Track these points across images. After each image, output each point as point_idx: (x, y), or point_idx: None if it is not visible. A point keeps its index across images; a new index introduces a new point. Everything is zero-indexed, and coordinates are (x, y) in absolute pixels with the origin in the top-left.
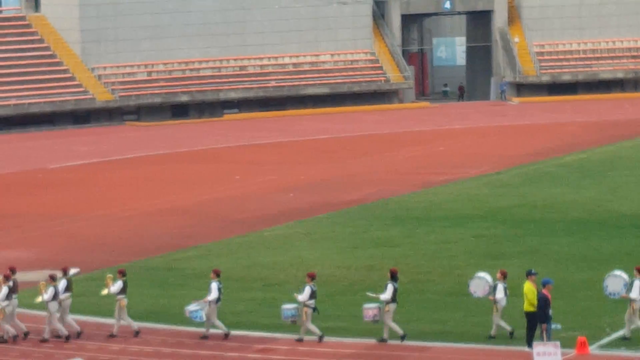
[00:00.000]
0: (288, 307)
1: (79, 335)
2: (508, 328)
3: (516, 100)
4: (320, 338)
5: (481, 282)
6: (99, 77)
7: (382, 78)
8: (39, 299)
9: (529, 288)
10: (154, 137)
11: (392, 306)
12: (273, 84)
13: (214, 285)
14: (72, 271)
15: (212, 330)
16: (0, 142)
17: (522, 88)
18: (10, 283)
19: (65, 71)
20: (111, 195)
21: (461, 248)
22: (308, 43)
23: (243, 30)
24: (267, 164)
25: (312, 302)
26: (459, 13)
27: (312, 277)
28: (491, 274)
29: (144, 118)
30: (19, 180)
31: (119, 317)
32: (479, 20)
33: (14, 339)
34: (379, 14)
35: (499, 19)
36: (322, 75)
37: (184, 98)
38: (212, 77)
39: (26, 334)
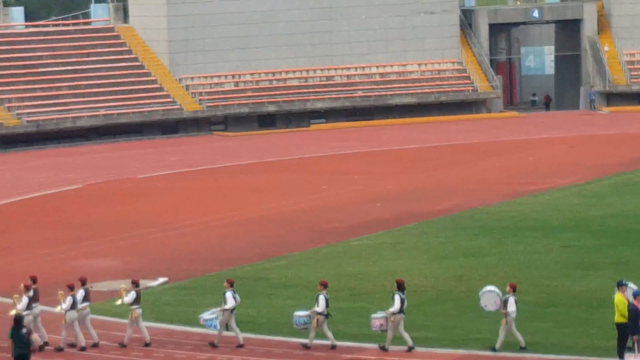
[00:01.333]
0: (300, 314)
1: (95, 345)
2: (521, 341)
3: (606, 109)
4: (333, 347)
5: (492, 295)
6: (187, 87)
7: (470, 88)
8: (58, 308)
9: (619, 299)
10: (242, 147)
11: (399, 317)
12: (360, 93)
13: (229, 295)
14: (160, 280)
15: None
16: (89, 152)
17: (612, 97)
18: (31, 292)
19: (153, 82)
20: (199, 205)
21: (551, 258)
22: (395, 53)
23: (330, 40)
24: (354, 173)
25: (326, 310)
26: (548, 22)
27: (324, 286)
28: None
29: (231, 128)
30: (108, 190)
31: (131, 327)
32: (568, 29)
33: (40, 349)
34: (467, 23)
35: (589, 28)
36: (409, 85)
37: (271, 108)
38: (299, 87)
39: (45, 344)
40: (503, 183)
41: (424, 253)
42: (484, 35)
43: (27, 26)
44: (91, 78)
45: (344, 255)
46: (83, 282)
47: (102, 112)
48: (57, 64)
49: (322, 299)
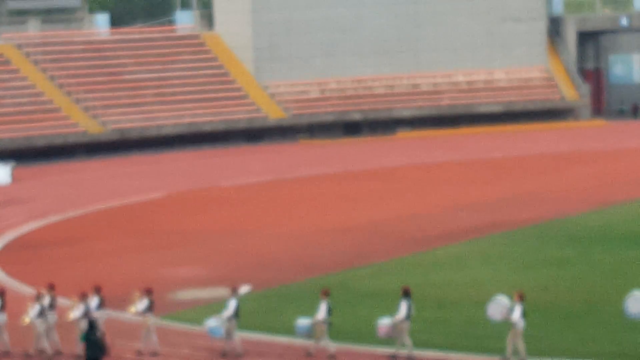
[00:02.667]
0: (303, 322)
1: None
2: (508, 352)
3: None
4: (332, 357)
5: (498, 305)
6: (272, 95)
7: (557, 96)
8: (70, 316)
9: None
10: (327, 155)
11: (406, 324)
12: (446, 101)
13: (232, 303)
14: (244, 289)
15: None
16: (174, 160)
17: None
18: (46, 300)
19: (238, 89)
20: (284, 213)
21: (639, 269)
22: (482, 60)
23: (416, 48)
24: (440, 182)
25: (328, 318)
26: (637, 30)
27: (326, 294)
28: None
29: (316, 136)
30: (192, 198)
31: (149, 335)
32: None
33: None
34: (554, 31)
35: None
36: (495, 93)
37: (357, 116)
38: (385, 94)
39: (57, 353)
40: (591, 192)
41: (510, 262)
42: (571, 43)
43: (112, 33)
44: (176, 85)
45: (430, 264)
46: (97, 291)
47: (187, 119)
48: (141, 71)
49: (323, 307)
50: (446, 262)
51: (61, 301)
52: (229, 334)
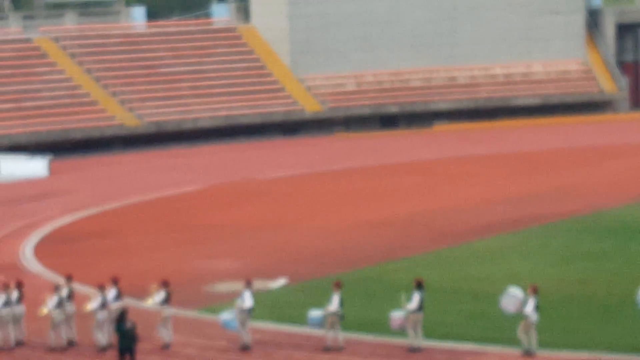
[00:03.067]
0: (315, 313)
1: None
2: (525, 344)
3: None
4: (340, 349)
5: (511, 298)
6: (308, 88)
7: (596, 89)
8: (88, 308)
9: None
10: (363, 148)
11: (418, 315)
12: (483, 94)
13: (247, 294)
14: (280, 281)
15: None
16: (210, 153)
17: None
18: (64, 291)
19: (274, 82)
20: (320, 207)
21: None
22: (519, 53)
23: (453, 40)
24: (477, 175)
25: (339, 310)
26: None
27: (338, 286)
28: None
29: (353, 129)
30: (229, 191)
31: (163, 327)
32: None
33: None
34: (593, 23)
35: None
36: (533, 86)
37: (393, 109)
38: (422, 87)
39: (71, 343)
40: (630, 185)
41: (547, 256)
42: (610, 35)
43: (148, 26)
44: (212, 78)
45: (467, 257)
46: (114, 282)
47: (223, 112)
48: (178, 64)
49: (335, 299)
50: (483, 256)
51: (82, 290)
52: (243, 326)
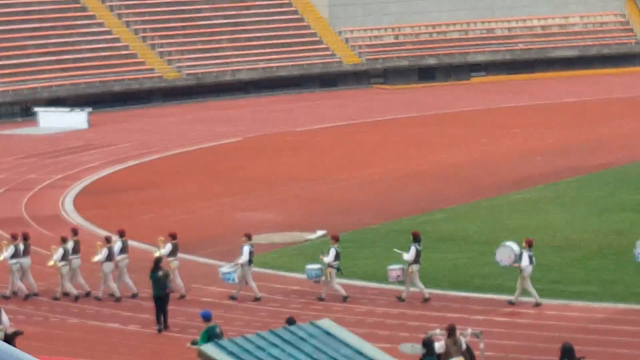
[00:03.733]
0: (312, 267)
1: (134, 296)
2: (537, 298)
3: None
4: (345, 299)
5: (506, 250)
6: (347, 40)
7: (633, 40)
8: (95, 259)
9: None
10: (401, 100)
11: (415, 267)
12: (521, 46)
13: (246, 249)
14: (319, 233)
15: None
16: (249, 106)
17: None
18: (69, 244)
19: (312, 34)
20: (358, 159)
21: None
22: (557, 5)
23: None
24: (514, 127)
25: (336, 263)
26: None
27: (336, 239)
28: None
29: (390, 81)
30: (268, 143)
31: (173, 279)
32: None
33: (76, 299)
34: None
35: None
36: (570, 38)
37: (431, 61)
38: (459, 39)
39: (87, 293)
40: None
41: (584, 207)
42: None
43: None
44: (251, 31)
45: (504, 209)
46: (121, 234)
47: (262, 65)
48: (217, 17)
49: (332, 251)
50: (521, 207)
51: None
52: (245, 280)
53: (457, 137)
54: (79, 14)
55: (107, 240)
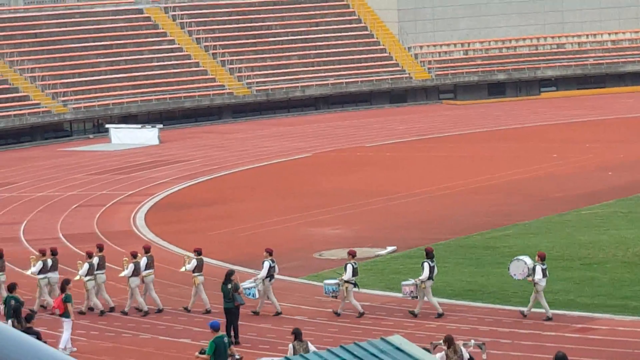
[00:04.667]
0: (330, 282)
1: (159, 311)
2: (549, 312)
3: None
4: (361, 314)
5: (520, 264)
6: (416, 56)
7: None
8: (121, 275)
9: None
10: (471, 115)
11: (429, 283)
12: (591, 61)
13: (266, 264)
14: (389, 249)
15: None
16: (318, 121)
17: None
18: (95, 260)
19: (382, 50)
20: (428, 173)
21: None
22: (628, 19)
23: (561, 8)
24: (585, 142)
25: (353, 279)
26: None
27: (353, 255)
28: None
29: (460, 96)
30: (338, 158)
31: (195, 293)
32: None
33: (101, 313)
34: None
35: None
36: None
37: (501, 76)
38: (529, 54)
39: (111, 309)
40: None
41: None
42: None
43: None
44: (320, 47)
45: (575, 224)
46: (147, 250)
47: (331, 81)
48: (286, 34)
49: (349, 267)
50: (592, 222)
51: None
52: (266, 295)
53: (527, 152)
54: (150, 31)
55: (133, 255)
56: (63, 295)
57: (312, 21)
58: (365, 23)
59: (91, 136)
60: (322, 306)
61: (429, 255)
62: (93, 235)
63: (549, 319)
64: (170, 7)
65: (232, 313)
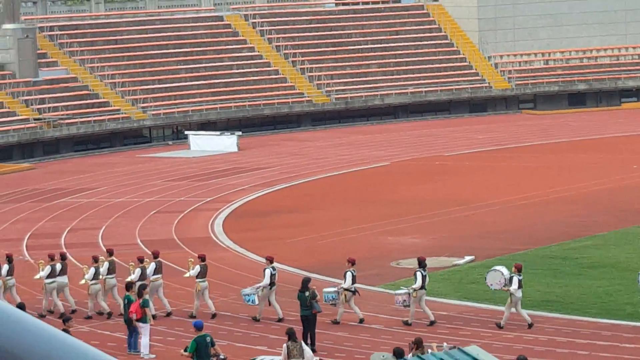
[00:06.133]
0: (328, 290)
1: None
2: (528, 320)
3: None
4: (361, 321)
5: (497, 274)
6: (496, 65)
7: None
8: (127, 280)
9: None
10: (551, 125)
11: (421, 292)
12: None
13: (267, 272)
14: (467, 258)
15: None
16: (397, 130)
17: None
18: (105, 265)
19: (462, 60)
20: (507, 183)
21: None
22: None
23: None
24: None
25: (353, 286)
26: None
27: (352, 262)
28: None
29: (540, 106)
30: (417, 167)
31: (197, 299)
32: None
33: (109, 316)
34: None
35: None
36: None
37: (581, 87)
38: (610, 65)
39: (109, 314)
40: None
41: None
42: None
43: (337, 4)
44: (400, 56)
45: None
46: (155, 256)
47: (410, 89)
48: (366, 42)
49: (349, 275)
50: None
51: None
52: (268, 302)
53: (607, 163)
54: (230, 38)
55: (140, 260)
56: (141, 300)
57: (392, 29)
58: (445, 32)
59: (170, 143)
60: (399, 315)
61: (421, 264)
62: (171, 242)
63: (530, 325)
64: (251, 14)
65: (309, 321)
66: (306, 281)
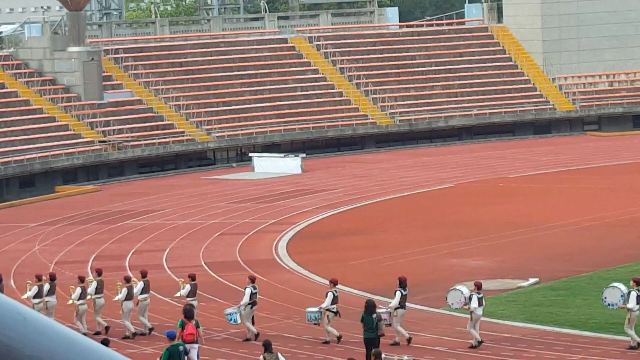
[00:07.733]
0: (311, 310)
1: (147, 333)
2: (478, 338)
3: None
4: (339, 339)
5: (457, 294)
6: (560, 87)
7: None
8: (115, 299)
9: None
10: (616, 147)
11: (400, 312)
12: None
13: (247, 291)
14: (531, 280)
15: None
16: (461, 152)
17: None
18: (93, 284)
19: (526, 81)
20: (572, 205)
21: None
22: None
23: None
24: None
25: (333, 307)
26: None
27: (334, 283)
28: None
29: (604, 128)
30: (480, 189)
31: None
32: None
33: (107, 330)
34: None
35: None
36: None
37: None
38: None
39: (106, 328)
40: None
41: None
42: None
43: (401, 26)
44: (464, 77)
45: None
46: (144, 275)
47: (474, 111)
48: (430, 64)
49: (329, 296)
50: None
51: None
52: (250, 320)
53: None
54: (294, 60)
55: (127, 280)
56: (194, 321)
57: (456, 51)
58: (509, 53)
59: (234, 165)
60: (463, 337)
61: (402, 284)
62: (235, 264)
63: (480, 342)
64: (315, 36)
65: (374, 343)
66: (373, 304)
